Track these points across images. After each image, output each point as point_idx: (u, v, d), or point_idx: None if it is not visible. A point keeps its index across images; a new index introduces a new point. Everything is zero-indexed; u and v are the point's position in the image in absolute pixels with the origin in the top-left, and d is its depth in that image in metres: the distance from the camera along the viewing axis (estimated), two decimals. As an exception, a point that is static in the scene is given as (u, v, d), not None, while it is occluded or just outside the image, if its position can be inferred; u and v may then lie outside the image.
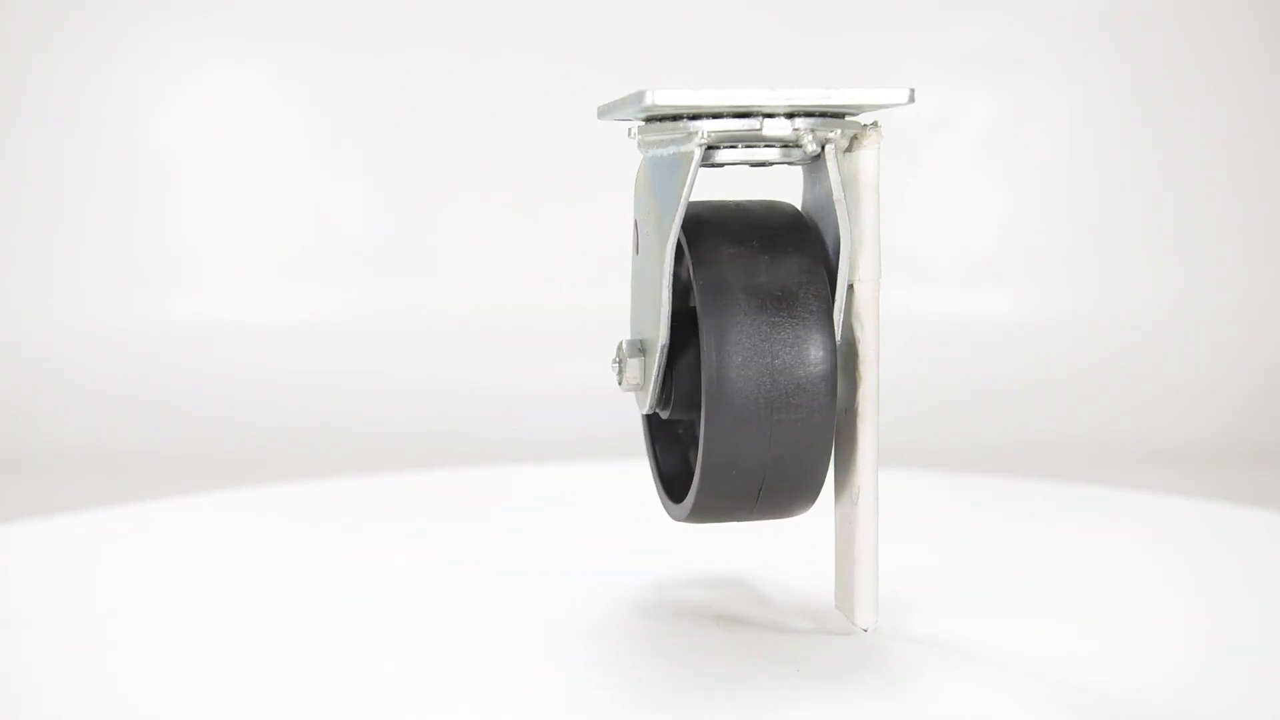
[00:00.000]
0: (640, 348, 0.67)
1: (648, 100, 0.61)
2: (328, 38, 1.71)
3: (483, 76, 1.69)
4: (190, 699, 0.65)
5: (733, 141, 0.65)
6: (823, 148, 0.64)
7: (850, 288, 0.65)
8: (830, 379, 0.63)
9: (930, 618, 0.74)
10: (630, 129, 0.66)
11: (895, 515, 0.74)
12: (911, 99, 0.60)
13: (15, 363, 1.58)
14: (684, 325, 0.66)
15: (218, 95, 1.71)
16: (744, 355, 0.63)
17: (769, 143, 0.65)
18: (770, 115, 0.64)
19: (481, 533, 0.95)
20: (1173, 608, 0.79)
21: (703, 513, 0.66)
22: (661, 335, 0.64)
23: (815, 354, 0.63)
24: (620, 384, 0.66)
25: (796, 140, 0.64)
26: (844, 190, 0.63)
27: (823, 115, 0.63)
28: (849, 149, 0.64)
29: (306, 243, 1.69)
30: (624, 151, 0.66)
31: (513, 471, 1.16)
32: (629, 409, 0.71)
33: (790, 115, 0.63)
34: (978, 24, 1.72)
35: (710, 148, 0.64)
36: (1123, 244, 1.71)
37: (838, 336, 0.63)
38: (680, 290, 0.67)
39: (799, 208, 0.67)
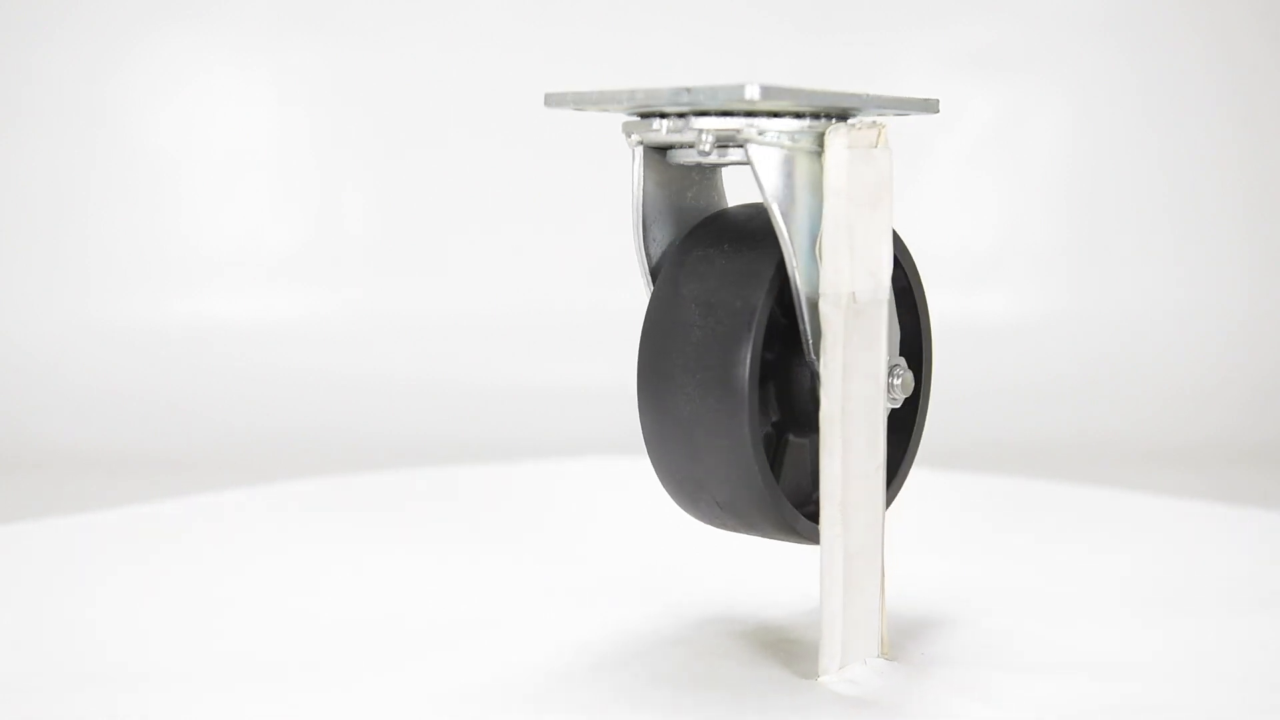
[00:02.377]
0: None
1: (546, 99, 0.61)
2: (329, 36, 1.70)
3: (485, 75, 1.69)
4: (190, 699, 0.64)
5: (658, 144, 0.64)
6: (741, 147, 0.60)
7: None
8: (735, 391, 0.59)
9: (925, 629, 0.73)
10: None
11: (895, 514, 0.73)
12: (761, 96, 0.56)
13: (14, 361, 1.58)
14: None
15: (218, 93, 1.71)
16: (658, 357, 0.62)
17: (671, 145, 0.63)
18: (680, 115, 0.62)
19: (481, 531, 0.95)
20: (1174, 611, 0.79)
21: (688, 512, 0.66)
22: None
23: (718, 363, 0.60)
24: None
25: (691, 142, 0.62)
26: (777, 195, 0.59)
27: (797, 116, 0.60)
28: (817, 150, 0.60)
29: (307, 241, 1.69)
30: (625, 151, 0.66)
31: (512, 470, 1.16)
32: (630, 408, 0.71)
33: (726, 114, 0.60)
34: (978, 24, 1.72)
35: (666, 148, 0.64)
36: (1123, 244, 1.71)
37: (809, 353, 0.61)
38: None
39: None
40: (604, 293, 1.61)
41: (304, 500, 1.04)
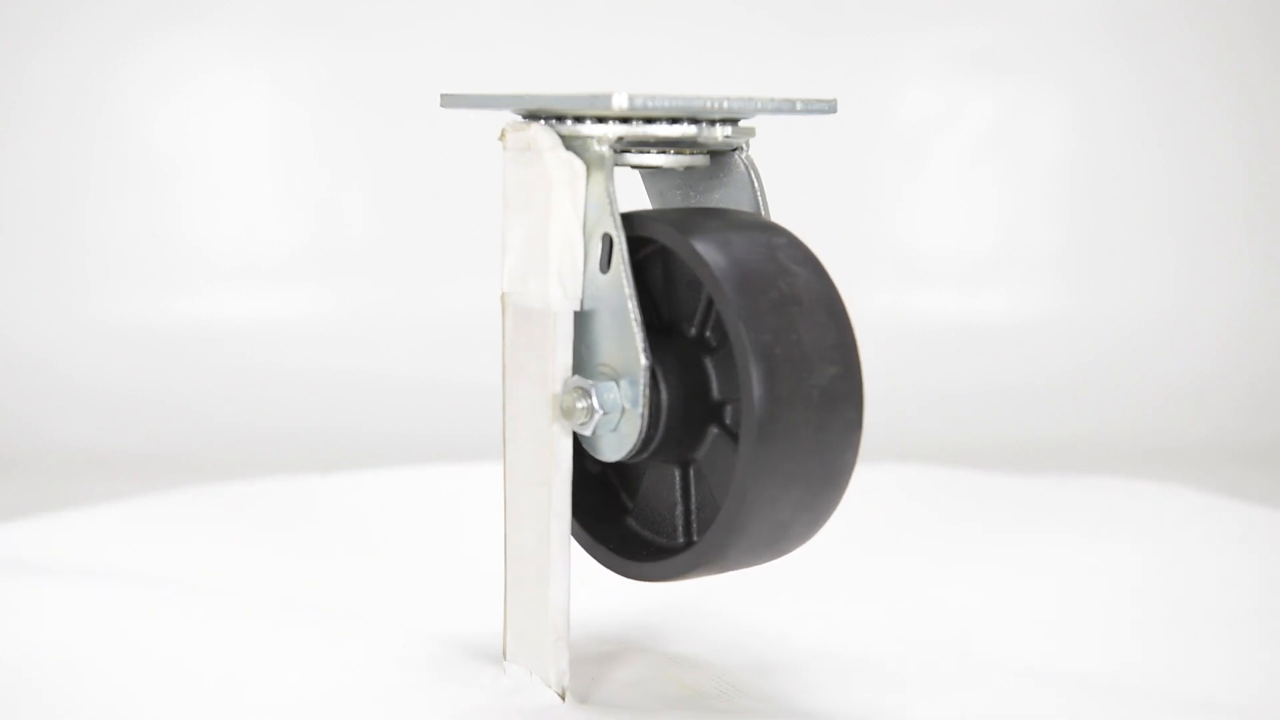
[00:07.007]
0: None
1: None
2: (329, 36, 1.71)
3: (486, 75, 1.69)
4: (187, 698, 0.65)
5: None
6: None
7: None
8: None
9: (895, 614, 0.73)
10: None
11: (892, 510, 0.73)
12: (443, 104, 0.59)
13: (14, 361, 1.58)
14: None
15: (217, 93, 1.71)
16: None
17: None
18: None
19: (479, 531, 0.95)
20: (1174, 610, 0.79)
21: None
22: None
23: None
24: None
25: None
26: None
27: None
28: None
29: (307, 241, 1.69)
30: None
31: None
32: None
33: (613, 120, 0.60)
34: (978, 24, 1.72)
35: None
36: (1123, 244, 1.71)
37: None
38: None
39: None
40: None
41: (303, 499, 1.04)
